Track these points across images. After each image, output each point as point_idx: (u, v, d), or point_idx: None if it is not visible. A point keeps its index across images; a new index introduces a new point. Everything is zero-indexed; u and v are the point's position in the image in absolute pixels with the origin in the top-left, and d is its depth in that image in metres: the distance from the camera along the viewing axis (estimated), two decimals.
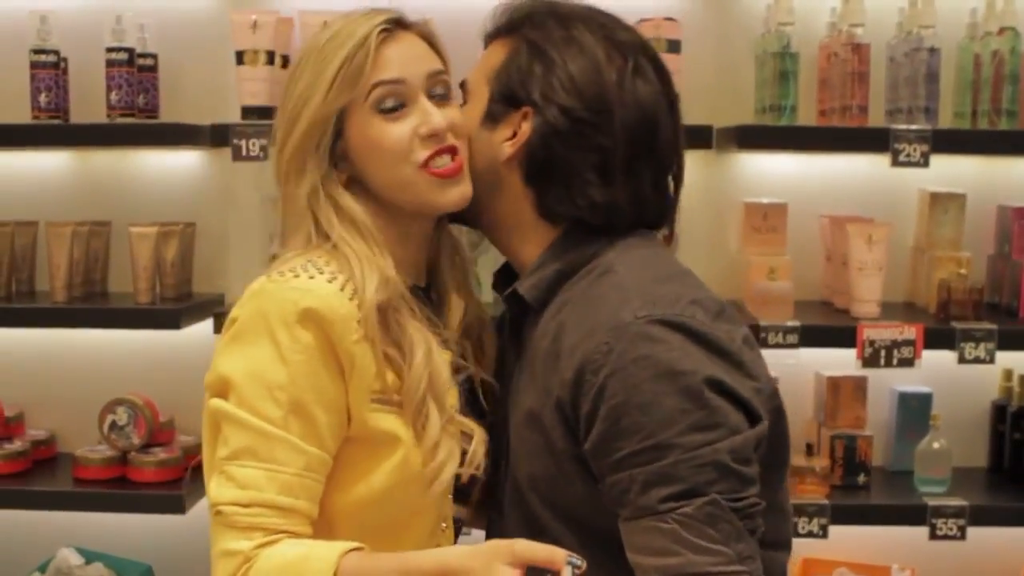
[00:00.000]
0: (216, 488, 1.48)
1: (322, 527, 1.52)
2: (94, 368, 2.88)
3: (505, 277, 1.71)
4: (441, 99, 1.61)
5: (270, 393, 1.47)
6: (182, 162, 2.86)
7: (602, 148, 1.55)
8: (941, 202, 2.71)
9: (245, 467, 1.47)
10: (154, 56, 2.70)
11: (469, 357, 1.69)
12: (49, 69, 2.65)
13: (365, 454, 1.54)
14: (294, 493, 1.47)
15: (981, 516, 2.56)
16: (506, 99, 1.59)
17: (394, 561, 1.41)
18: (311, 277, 1.51)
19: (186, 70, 2.81)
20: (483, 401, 1.69)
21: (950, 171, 2.71)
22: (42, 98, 2.65)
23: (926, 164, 2.47)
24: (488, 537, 1.66)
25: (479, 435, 1.61)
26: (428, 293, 1.69)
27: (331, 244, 1.56)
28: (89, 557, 2.75)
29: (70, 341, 2.85)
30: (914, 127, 2.47)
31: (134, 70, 2.66)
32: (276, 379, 1.47)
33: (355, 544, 1.44)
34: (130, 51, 2.65)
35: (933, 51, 2.52)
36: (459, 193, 1.59)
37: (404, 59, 1.59)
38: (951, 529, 2.53)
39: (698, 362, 1.41)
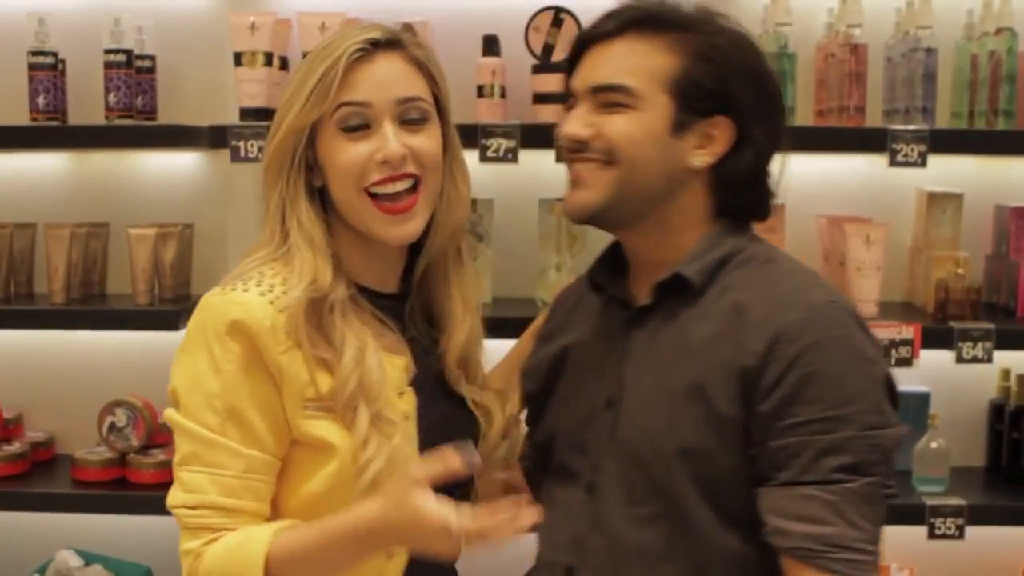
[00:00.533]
0: (171, 492, 1.61)
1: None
2: (93, 370, 2.88)
3: (607, 269, 1.77)
4: (414, 124, 1.64)
5: (208, 401, 1.57)
6: (180, 163, 2.86)
7: (776, 152, 1.70)
8: (939, 202, 2.72)
9: (191, 472, 1.58)
10: (152, 58, 2.70)
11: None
12: (47, 71, 2.66)
13: (305, 457, 1.61)
14: (236, 494, 1.57)
15: (979, 515, 2.56)
16: (695, 109, 1.62)
17: (313, 529, 1.54)
18: (246, 290, 1.59)
19: (184, 72, 2.81)
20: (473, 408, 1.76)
21: (947, 171, 2.71)
22: (40, 100, 2.65)
23: (924, 164, 2.47)
24: (567, 513, 1.69)
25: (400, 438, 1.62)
26: (403, 300, 1.74)
27: (286, 248, 1.63)
28: (88, 559, 2.74)
29: (69, 343, 2.85)
30: (911, 127, 2.48)
31: (132, 72, 2.66)
32: (212, 388, 1.57)
33: (290, 522, 1.57)
34: (128, 52, 2.65)
35: (930, 51, 2.52)
36: (404, 231, 1.64)
37: (374, 82, 1.62)
38: (949, 528, 2.53)
39: (879, 354, 1.59)
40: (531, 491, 1.84)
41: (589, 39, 1.68)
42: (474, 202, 2.67)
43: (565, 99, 1.74)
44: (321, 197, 1.68)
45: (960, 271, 2.61)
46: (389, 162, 1.61)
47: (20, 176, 2.89)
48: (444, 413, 1.73)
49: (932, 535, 2.53)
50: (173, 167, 2.87)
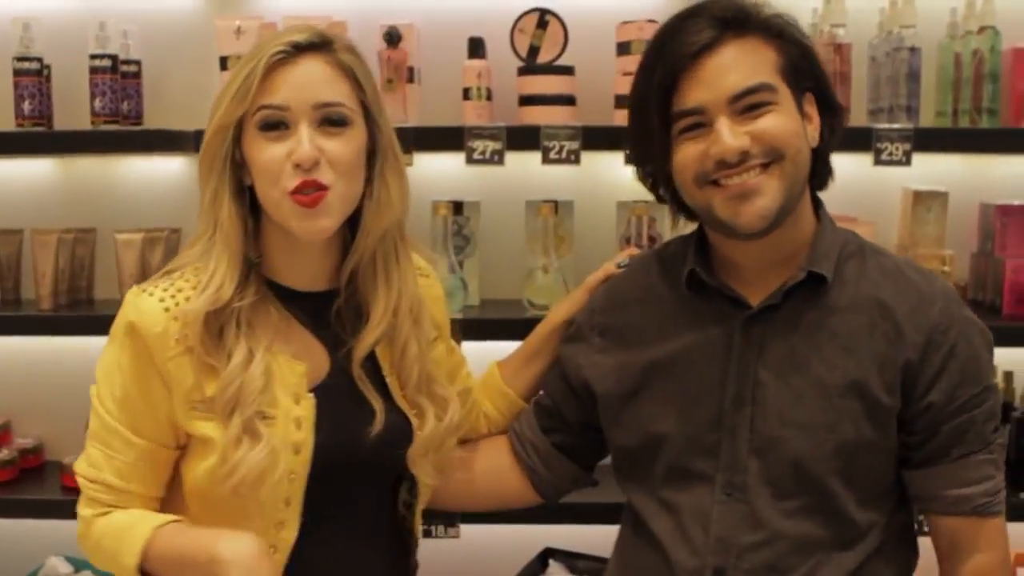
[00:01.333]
0: (79, 459, 1.73)
1: (179, 504, 1.72)
2: (81, 376, 2.80)
3: (699, 260, 1.78)
4: (333, 127, 1.65)
5: (110, 389, 1.69)
6: (167, 168, 2.86)
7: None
8: (924, 200, 2.72)
9: (94, 447, 1.71)
10: (138, 62, 2.70)
11: (387, 362, 1.77)
12: (32, 76, 2.65)
13: (193, 450, 1.69)
14: (126, 478, 1.69)
15: None
16: (799, 90, 1.69)
17: (185, 536, 1.64)
18: (151, 294, 1.67)
19: (170, 76, 2.81)
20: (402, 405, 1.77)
21: (932, 170, 2.72)
22: (25, 105, 2.65)
23: (908, 163, 2.48)
24: (700, 516, 1.73)
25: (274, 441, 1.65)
26: (330, 298, 1.75)
27: (209, 249, 1.68)
28: (78, 565, 2.74)
29: (57, 349, 2.84)
30: (896, 126, 2.49)
31: (118, 77, 2.66)
32: (114, 378, 1.68)
33: (173, 517, 1.67)
34: (114, 58, 2.65)
35: (914, 50, 2.53)
36: (313, 226, 1.65)
37: (293, 85, 1.64)
38: None
39: None
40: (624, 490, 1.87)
41: (693, 53, 1.64)
42: (461, 204, 2.69)
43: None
44: (251, 194, 1.69)
45: (946, 269, 2.62)
46: (300, 165, 1.62)
47: (6, 182, 2.89)
48: (351, 414, 1.72)
49: (921, 532, 2.53)
50: (159, 172, 2.86)
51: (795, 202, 1.69)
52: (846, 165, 2.75)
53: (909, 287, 1.73)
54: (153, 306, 1.65)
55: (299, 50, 1.64)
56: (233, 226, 1.66)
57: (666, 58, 1.66)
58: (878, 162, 2.48)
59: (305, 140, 1.62)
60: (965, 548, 1.75)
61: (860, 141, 2.49)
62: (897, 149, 2.47)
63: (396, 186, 1.74)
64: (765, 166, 1.64)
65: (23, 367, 2.90)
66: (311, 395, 1.69)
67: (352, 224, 1.73)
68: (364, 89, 1.69)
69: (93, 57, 2.64)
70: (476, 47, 2.64)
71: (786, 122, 1.65)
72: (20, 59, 2.65)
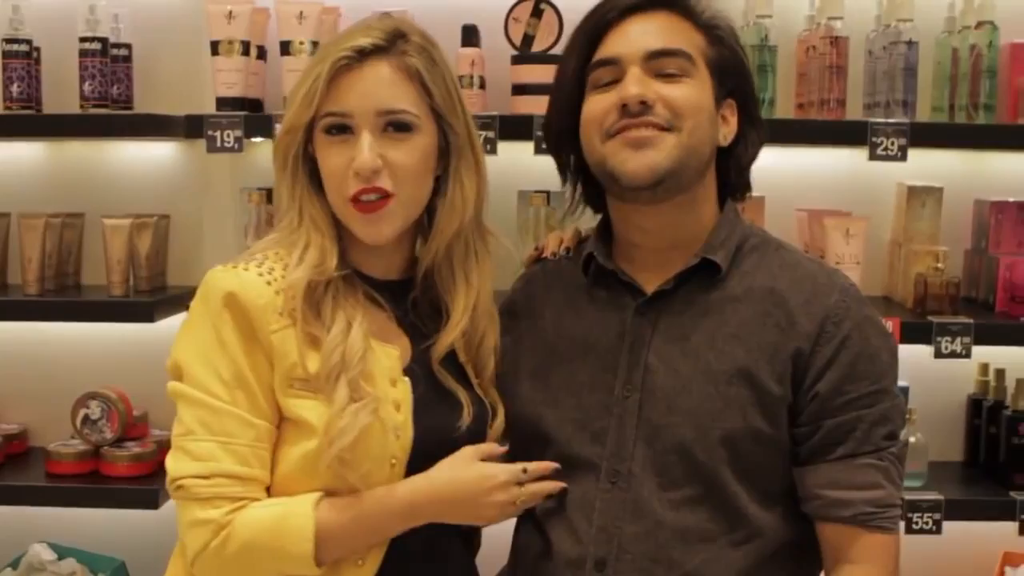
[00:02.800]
0: (174, 463, 1.60)
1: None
2: (67, 362, 2.85)
3: (599, 246, 1.79)
4: (398, 133, 1.64)
5: (215, 371, 1.59)
6: (156, 153, 2.84)
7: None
8: (918, 196, 2.71)
9: (200, 441, 1.58)
10: (128, 46, 2.68)
11: (463, 352, 1.77)
12: (21, 59, 2.63)
13: (288, 434, 1.63)
14: (249, 463, 1.59)
15: (956, 510, 2.56)
16: (721, 89, 1.71)
17: (360, 501, 1.60)
18: (246, 269, 1.63)
19: (161, 60, 2.78)
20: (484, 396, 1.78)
21: (928, 165, 2.70)
22: (14, 88, 2.63)
23: (903, 158, 2.47)
24: (586, 505, 1.71)
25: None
26: (407, 287, 1.76)
27: (295, 233, 1.67)
28: (62, 552, 2.72)
29: (43, 334, 2.82)
30: (891, 120, 2.47)
31: (107, 60, 2.64)
32: (218, 358, 1.59)
33: (319, 494, 1.59)
34: (103, 41, 2.63)
35: (911, 45, 2.52)
36: (375, 232, 1.66)
37: (356, 92, 1.63)
38: (927, 523, 2.53)
39: None
40: None
41: (625, 7, 1.70)
42: None
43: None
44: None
45: (939, 265, 2.61)
46: (360, 173, 1.62)
47: None
48: (440, 402, 1.72)
49: (909, 530, 2.53)
50: (149, 157, 2.84)
51: (690, 180, 1.69)
52: (841, 159, 2.77)
53: (806, 278, 1.72)
54: (252, 279, 1.61)
55: (364, 55, 1.63)
56: (320, 213, 1.67)
57: (598, 14, 1.72)
58: (873, 157, 2.46)
59: (365, 148, 1.61)
60: (842, 559, 1.66)
61: (855, 136, 2.48)
62: (892, 144, 2.45)
63: (471, 185, 1.73)
64: (663, 128, 1.66)
65: (8, 352, 2.87)
66: (406, 379, 1.68)
67: (429, 215, 1.74)
68: (432, 93, 1.67)
69: (83, 40, 2.61)
70: (470, 35, 2.62)
71: (695, 96, 1.67)
72: (9, 41, 2.62)
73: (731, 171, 1.77)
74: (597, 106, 1.69)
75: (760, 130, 1.78)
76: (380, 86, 1.63)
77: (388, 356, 1.67)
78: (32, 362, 2.88)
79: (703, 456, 1.64)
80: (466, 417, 1.71)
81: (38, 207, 2.74)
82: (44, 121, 2.67)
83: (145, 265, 2.68)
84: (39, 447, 2.80)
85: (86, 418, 2.68)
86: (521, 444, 1.79)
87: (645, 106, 1.65)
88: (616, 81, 1.68)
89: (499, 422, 1.78)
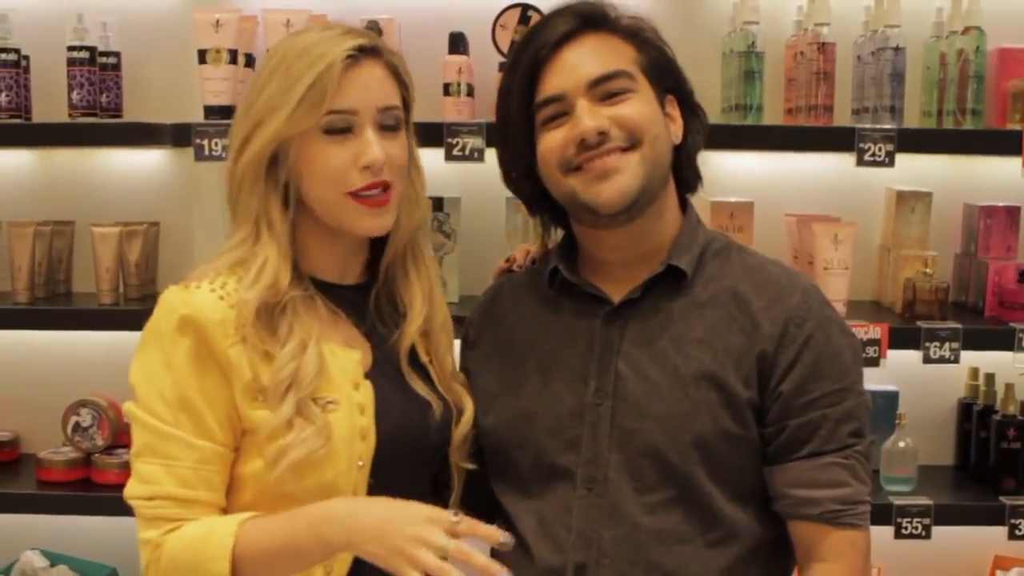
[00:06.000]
0: (128, 484, 1.65)
1: (242, 507, 1.65)
2: (57, 369, 2.85)
3: (564, 259, 1.81)
4: (390, 131, 1.68)
5: (160, 393, 1.62)
6: (145, 161, 2.84)
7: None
8: (907, 201, 2.72)
9: (147, 463, 1.62)
10: (117, 55, 2.68)
11: (424, 351, 1.80)
12: (10, 68, 2.63)
13: (251, 448, 1.64)
14: (191, 485, 1.61)
15: (946, 515, 2.56)
16: (660, 89, 1.74)
17: (280, 521, 1.58)
18: (197, 287, 1.65)
19: (149, 69, 2.79)
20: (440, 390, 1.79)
21: (916, 170, 2.71)
22: (3, 97, 2.63)
23: (891, 164, 2.47)
24: (563, 512, 1.71)
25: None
26: (366, 291, 1.78)
27: (255, 247, 1.67)
28: (54, 559, 2.73)
29: (33, 342, 2.82)
30: (878, 126, 2.47)
31: (96, 69, 2.64)
32: (164, 381, 1.62)
33: (252, 514, 1.61)
34: (92, 50, 2.63)
35: (899, 50, 2.52)
36: (379, 224, 1.70)
37: (360, 89, 1.65)
38: (916, 528, 2.53)
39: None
40: (470, 494, 1.83)
41: (555, 42, 1.72)
42: (441, 200, 2.67)
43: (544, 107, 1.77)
44: (284, 191, 1.70)
45: (928, 271, 2.61)
46: (371, 168, 1.64)
47: None
48: (406, 402, 1.74)
49: (899, 535, 2.53)
50: (138, 165, 2.84)
51: (657, 190, 1.72)
52: (829, 165, 2.78)
53: (768, 281, 1.74)
54: (205, 296, 1.63)
55: (363, 53, 1.65)
56: (283, 224, 1.67)
57: (529, 51, 1.73)
58: (861, 163, 2.46)
59: (375, 143, 1.65)
60: (812, 557, 1.70)
61: (843, 141, 2.48)
62: (880, 150, 2.45)
63: (421, 184, 1.81)
64: (625, 150, 1.68)
65: None
66: (368, 381, 1.70)
67: None
68: (408, 91, 1.74)
69: (71, 49, 2.62)
70: (457, 42, 2.62)
71: (645, 109, 1.70)
72: None
73: (683, 166, 1.79)
74: (553, 143, 1.71)
75: (700, 117, 1.80)
76: (378, 83, 1.68)
77: (350, 360, 1.69)
78: (22, 370, 2.88)
79: (676, 459, 1.67)
80: (434, 416, 1.73)
81: (27, 215, 2.74)
82: (33, 130, 2.67)
83: (135, 273, 2.69)
84: (30, 454, 2.81)
85: (77, 425, 2.69)
86: (495, 455, 1.80)
87: (603, 135, 1.67)
88: (565, 114, 1.70)
89: (465, 421, 1.79)
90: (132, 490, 1.64)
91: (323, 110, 1.62)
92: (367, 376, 1.71)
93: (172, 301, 1.64)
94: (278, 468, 1.58)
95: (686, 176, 1.81)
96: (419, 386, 1.76)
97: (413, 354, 1.79)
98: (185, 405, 1.61)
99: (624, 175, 1.68)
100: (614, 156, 1.68)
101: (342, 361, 1.68)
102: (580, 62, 1.70)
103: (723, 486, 1.68)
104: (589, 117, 1.67)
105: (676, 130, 1.76)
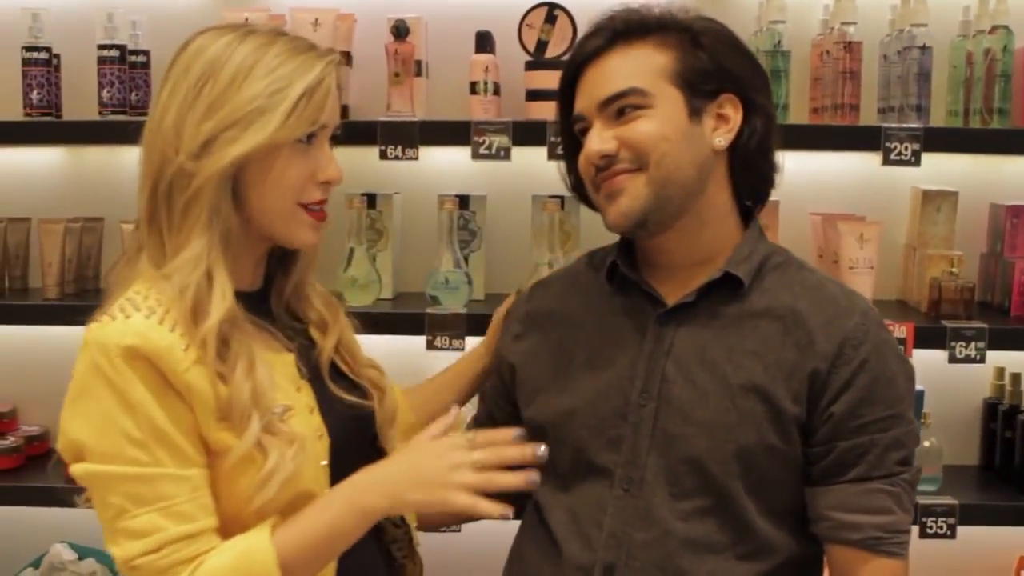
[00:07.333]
0: (118, 549, 1.50)
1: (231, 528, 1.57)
2: None
3: (623, 256, 1.81)
4: (335, 142, 1.68)
5: (126, 438, 1.48)
6: None
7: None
8: (933, 200, 2.71)
9: (136, 518, 1.49)
10: (146, 53, 2.70)
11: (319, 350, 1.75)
12: (41, 66, 2.65)
13: (227, 468, 1.55)
14: (194, 518, 1.51)
15: (971, 515, 2.55)
16: (703, 93, 1.70)
17: (310, 515, 1.55)
18: (127, 317, 1.52)
19: None
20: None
21: (943, 169, 2.70)
22: (34, 95, 2.65)
23: (917, 163, 2.46)
24: (598, 510, 1.71)
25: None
26: (266, 296, 1.74)
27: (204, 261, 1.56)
28: (82, 552, 2.75)
29: (63, 337, 2.82)
30: (904, 126, 2.47)
31: (126, 67, 2.67)
32: (125, 423, 1.48)
33: (271, 521, 1.54)
34: (122, 48, 2.66)
35: (925, 49, 2.51)
36: (318, 237, 1.67)
37: (333, 102, 1.64)
38: (941, 528, 2.52)
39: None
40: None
41: (579, 62, 1.74)
42: (467, 198, 2.69)
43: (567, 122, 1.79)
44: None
45: (954, 270, 2.61)
46: (332, 182, 1.65)
47: (14, 171, 2.90)
48: (342, 398, 1.73)
49: (924, 534, 2.53)
50: None
51: (675, 207, 1.70)
52: (855, 164, 2.77)
53: (827, 300, 1.73)
54: (144, 323, 1.51)
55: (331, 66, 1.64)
56: (234, 234, 1.60)
57: (568, 69, 1.78)
58: (887, 162, 2.46)
59: (333, 159, 1.65)
60: None
61: (869, 140, 2.47)
62: (906, 149, 2.45)
63: None
64: (632, 171, 1.69)
65: (29, 355, 2.90)
66: (306, 382, 1.69)
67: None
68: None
69: (101, 47, 2.64)
70: (483, 41, 2.63)
71: (656, 127, 1.67)
72: (29, 49, 2.65)
73: (742, 168, 1.75)
74: (581, 160, 1.75)
75: (763, 116, 1.74)
76: (335, 95, 1.64)
77: (285, 364, 1.66)
78: (53, 365, 2.85)
79: (716, 468, 1.65)
80: (371, 400, 1.75)
81: (57, 212, 2.77)
82: (63, 127, 2.69)
83: None
84: None
85: None
86: None
87: (610, 158, 1.68)
88: (588, 130, 1.73)
89: (388, 402, 1.79)
90: (131, 550, 1.49)
91: (319, 122, 1.60)
92: (303, 377, 1.69)
93: (107, 336, 1.50)
94: (269, 489, 1.52)
95: (738, 180, 1.77)
96: (340, 378, 1.75)
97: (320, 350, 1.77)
98: (160, 439, 1.49)
99: (627, 196, 1.69)
100: (620, 177, 1.69)
101: (279, 366, 1.64)
102: (596, 82, 1.71)
103: (759, 500, 1.67)
104: (596, 141, 1.70)
105: (723, 134, 1.72)
